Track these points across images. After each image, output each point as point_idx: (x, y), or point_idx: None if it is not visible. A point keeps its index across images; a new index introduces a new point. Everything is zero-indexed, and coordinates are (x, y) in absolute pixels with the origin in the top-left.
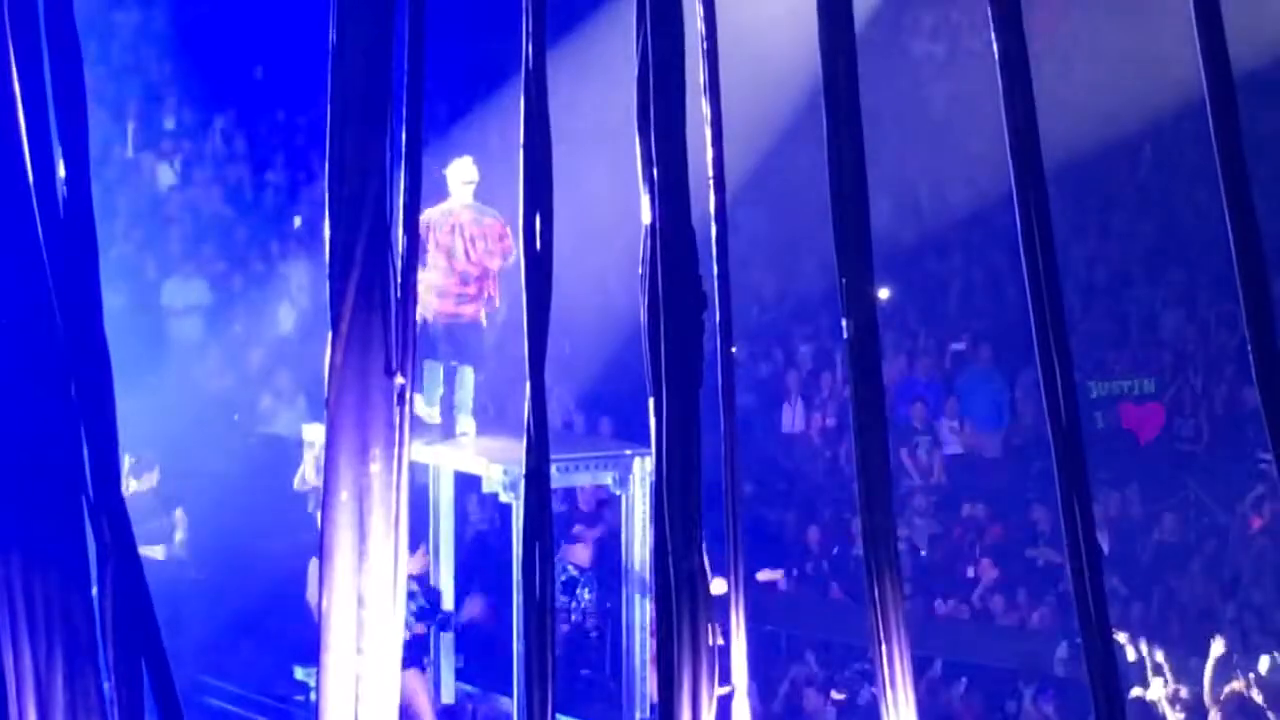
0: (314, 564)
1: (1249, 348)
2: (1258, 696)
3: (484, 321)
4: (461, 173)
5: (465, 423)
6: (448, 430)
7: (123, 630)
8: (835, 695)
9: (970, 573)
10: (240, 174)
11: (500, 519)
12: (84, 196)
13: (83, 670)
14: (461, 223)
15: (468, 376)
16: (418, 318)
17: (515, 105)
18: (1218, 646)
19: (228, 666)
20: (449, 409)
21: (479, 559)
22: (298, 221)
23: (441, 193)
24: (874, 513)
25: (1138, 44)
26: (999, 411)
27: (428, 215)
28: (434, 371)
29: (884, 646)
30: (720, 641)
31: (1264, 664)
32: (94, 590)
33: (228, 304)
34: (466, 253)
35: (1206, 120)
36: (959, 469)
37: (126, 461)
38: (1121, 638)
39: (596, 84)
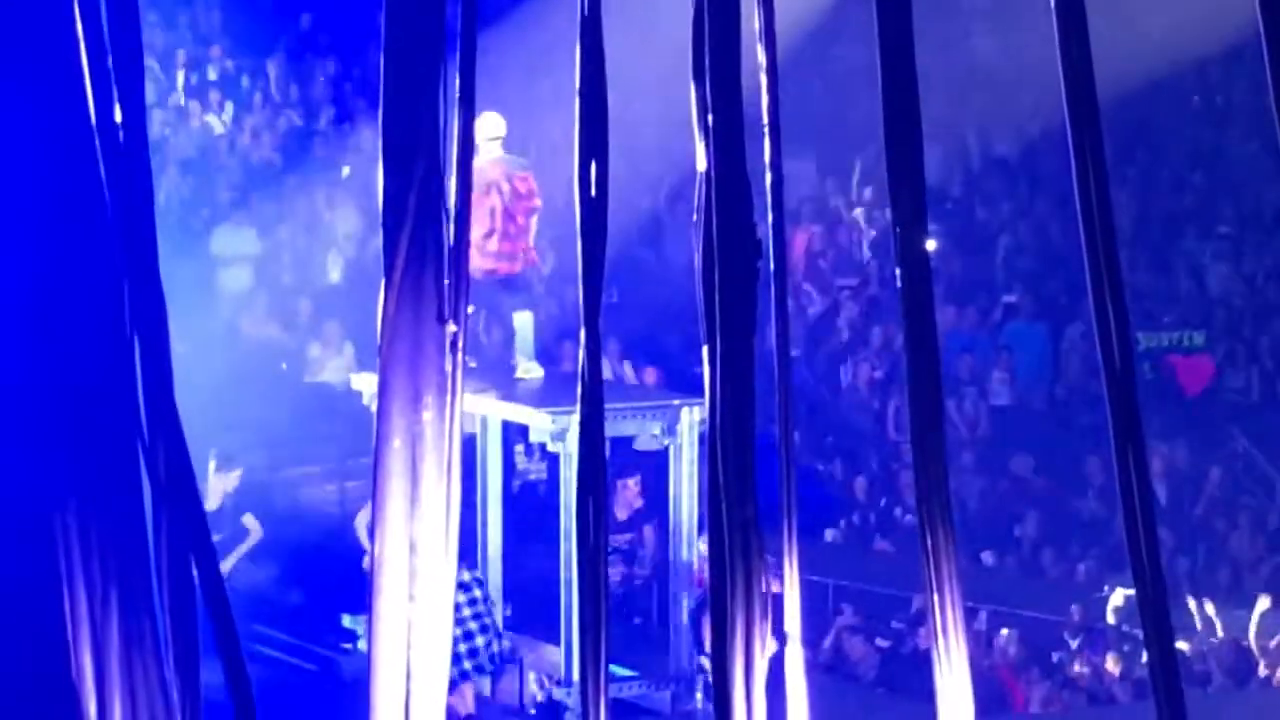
0: (363, 514)
1: None
2: None
3: (541, 267)
4: (487, 128)
5: (529, 367)
6: (508, 376)
7: (178, 572)
8: (880, 643)
9: (1016, 529)
10: (289, 123)
11: (548, 469)
12: (141, 137)
13: (138, 611)
14: (493, 179)
15: (524, 321)
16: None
17: (566, 49)
18: (1263, 602)
19: (276, 615)
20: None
21: (526, 509)
22: (346, 171)
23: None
24: (927, 462)
25: None
26: (1046, 364)
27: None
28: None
29: (936, 596)
30: (776, 589)
31: None
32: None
33: (276, 253)
34: (506, 210)
35: (1260, 69)
36: (1005, 422)
37: (211, 463)
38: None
39: (649, 27)
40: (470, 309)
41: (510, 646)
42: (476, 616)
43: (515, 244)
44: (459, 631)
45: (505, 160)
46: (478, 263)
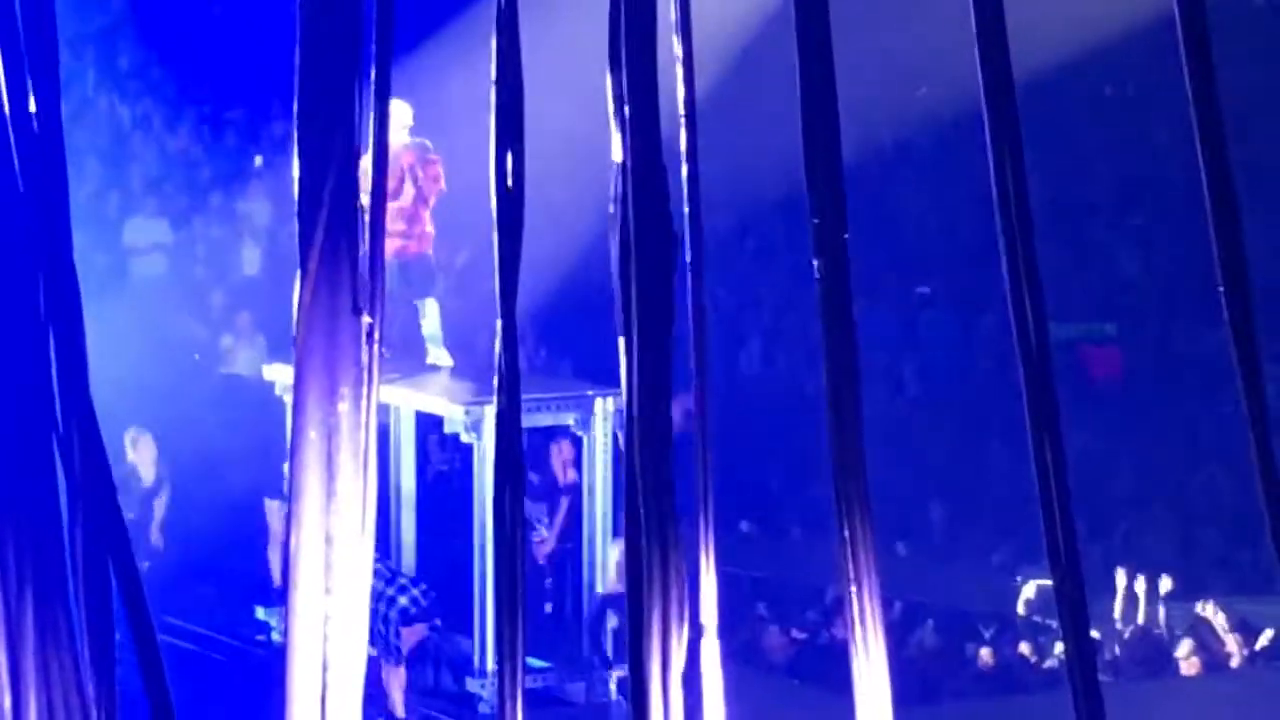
0: (271, 504)
1: (1221, 291)
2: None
3: (430, 253)
4: (397, 116)
5: (438, 355)
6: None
7: (94, 565)
8: (796, 635)
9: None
10: (201, 112)
11: (461, 460)
12: (55, 128)
13: (52, 605)
14: (406, 164)
15: (432, 309)
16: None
17: (480, 40)
18: (1165, 583)
19: (188, 607)
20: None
21: (440, 500)
22: (259, 160)
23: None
24: (844, 452)
25: None
26: (959, 354)
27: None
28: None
29: (854, 587)
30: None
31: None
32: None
33: (189, 243)
34: (420, 193)
35: (1173, 56)
36: (918, 412)
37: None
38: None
39: (567, 14)
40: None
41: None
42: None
43: (417, 225)
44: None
45: (416, 146)
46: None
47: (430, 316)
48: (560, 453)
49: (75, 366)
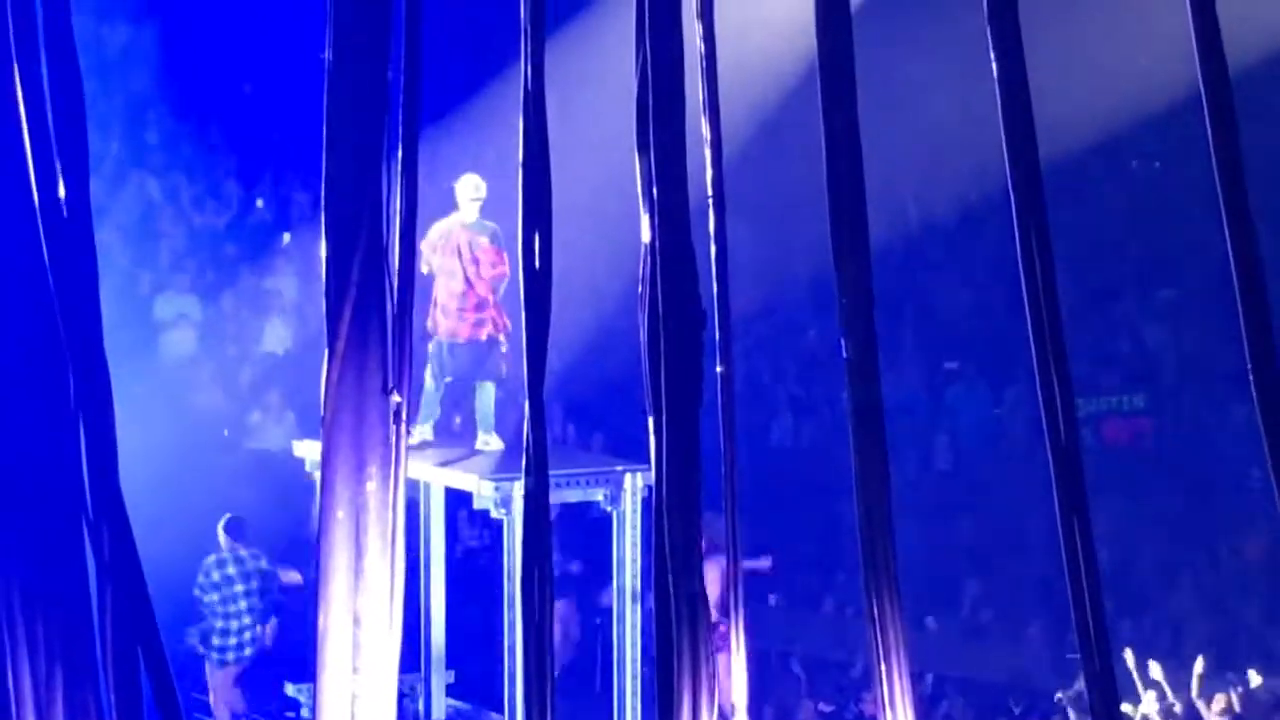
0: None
1: (1248, 364)
2: (1239, 707)
3: (503, 341)
4: (469, 189)
5: (488, 439)
6: (469, 445)
7: (123, 649)
8: (823, 708)
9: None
10: (231, 190)
11: (491, 536)
12: (84, 214)
13: (83, 691)
14: (460, 244)
15: (488, 393)
16: (439, 338)
17: (512, 118)
18: (1199, 665)
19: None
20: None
21: (469, 576)
22: (287, 238)
23: (438, 206)
24: (873, 530)
25: (1129, 55)
26: (987, 427)
27: (429, 237)
28: (431, 392)
29: (883, 664)
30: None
31: (1253, 679)
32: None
33: (218, 320)
34: (467, 276)
35: (1199, 132)
36: (948, 485)
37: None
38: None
39: (594, 96)
40: (448, 379)
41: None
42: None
43: (480, 311)
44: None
45: (472, 226)
46: (446, 325)
47: (483, 399)
48: None
49: (105, 455)
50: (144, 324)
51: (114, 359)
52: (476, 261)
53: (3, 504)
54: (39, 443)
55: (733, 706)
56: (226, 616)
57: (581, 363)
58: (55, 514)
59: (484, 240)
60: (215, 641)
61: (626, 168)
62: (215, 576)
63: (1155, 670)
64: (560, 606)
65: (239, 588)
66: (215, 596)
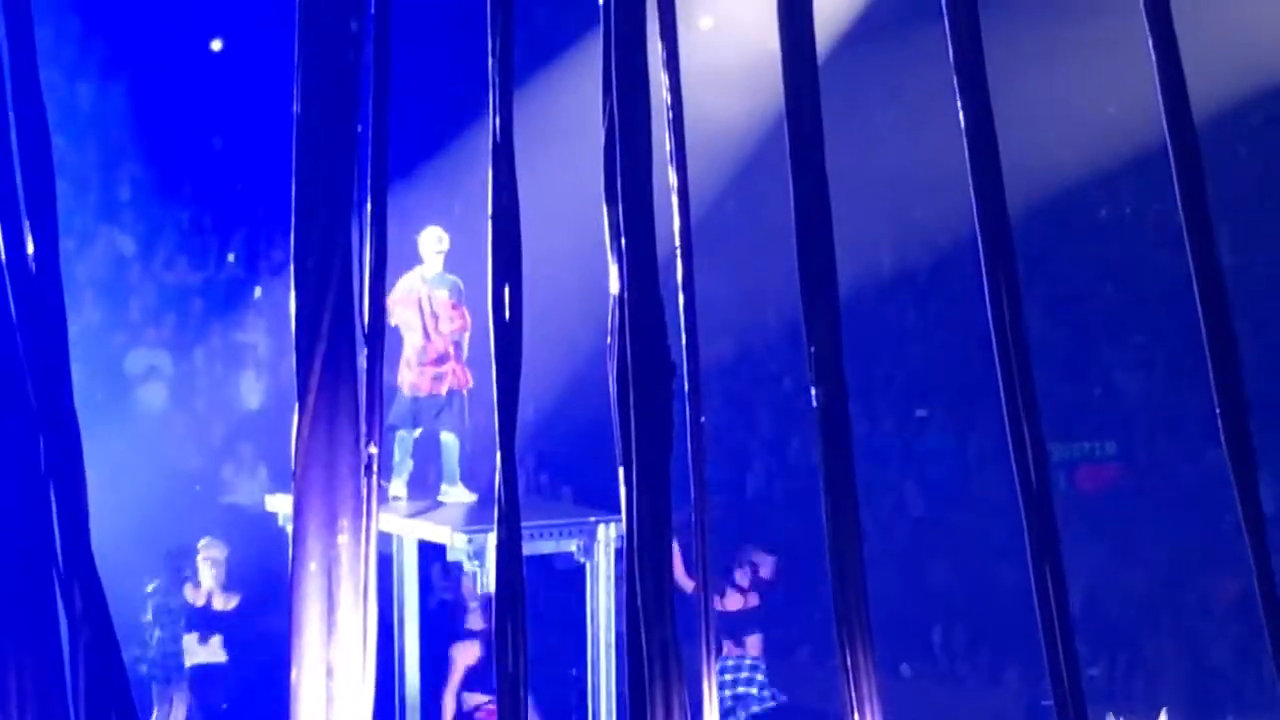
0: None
1: (1216, 410)
2: None
3: (464, 393)
4: (431, 241)
5: (455, 493)
6: (432, 500)
7: (95, 703)
8: None
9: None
10: (201, 245)
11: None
12: (53, 271)
13: None
14: (420, 298)
15: (451, 445)
16: (403, 392)
17: (479, 170)
18: (1163, 716)
19: None
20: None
21: (443, 628)
22: (259, 292)
23: (406, 259)
24: (846, 580)
25: (1097, 101)
26: (959, 474)
27: (393, 291)
28: (403, 445)
29: (856, 714)
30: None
31: None
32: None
33: (189, 375)
34: (426, 330)
35: (1166, 179)
36: (920, 533)
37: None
38: None
39: (562, 147)
40: (418, 432)
41: None
42: None
43: (439, 365)
44: None
45: (432, 281)
46: (411, 379)
47: (447, 452)
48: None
49: (76, 513)
50: (115, 380)
51: (85, 415)
52: (436, 316)
53: None
54: (9, 502)
55: None
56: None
57: (553, 413)
58: (27, 571)
59: (443, 294)
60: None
61: (595, 218)
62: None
63: None
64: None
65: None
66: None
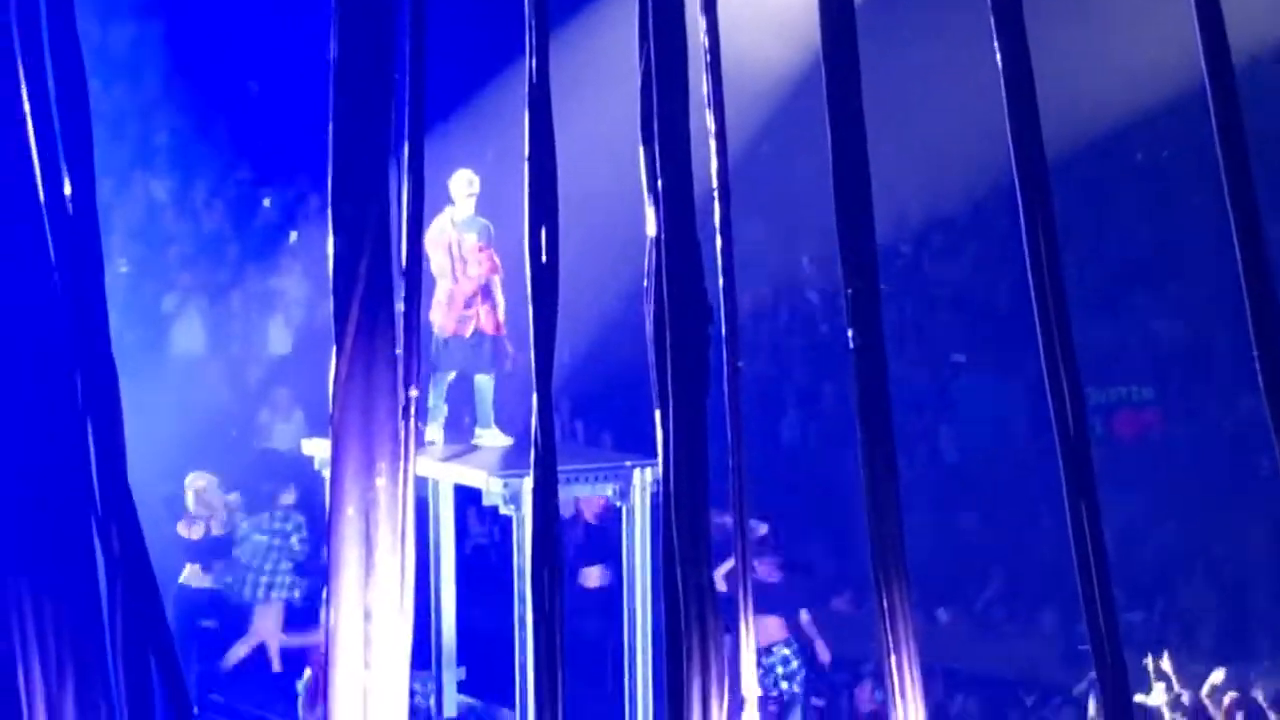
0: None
1: (1254, 354)
2: (1260, 698)
3: (499, 336)
4: (462, 184)
5: (489, 436)
6: (467, 444)
7: (133, 646)
8: (815, 702)
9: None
10: (237, 190)
11: (500, 531)
12: (90, 212)
13: (93, 687)
14: (450, 241)
15: (483, 388)
16: (437, 335)
17: (515, 114)
18: (1217, 676)
19: (231, 681)
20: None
21: (479, 573)
22: (294, 237)
23: (441, 203)
24: (882, 522)
25: (1135, 45)
26: (995, 419)
27: (427, 234)
28: (436, 388)
29: (893, 656)
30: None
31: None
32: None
33: (225, 319)
34: (454, 273)
35: (1204, 123)
36: (956, 477)
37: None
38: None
39: (598, 90)
40: (451, 375)
41: None
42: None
43: (467, 309)
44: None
45: (462, 224)
46: (440, 323)
47: (481, 394)
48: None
49: (113, 452)
50: (151, 325)
51: (122, 360)
52: (464, 260)
53: (12, 502)
54: (48, 441)
55: (743, 700)
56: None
57: (589, 359)
58: (64, 512)
59: (472, 237)
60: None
61: (632, 162)
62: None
63: (1165, 663)
64: None
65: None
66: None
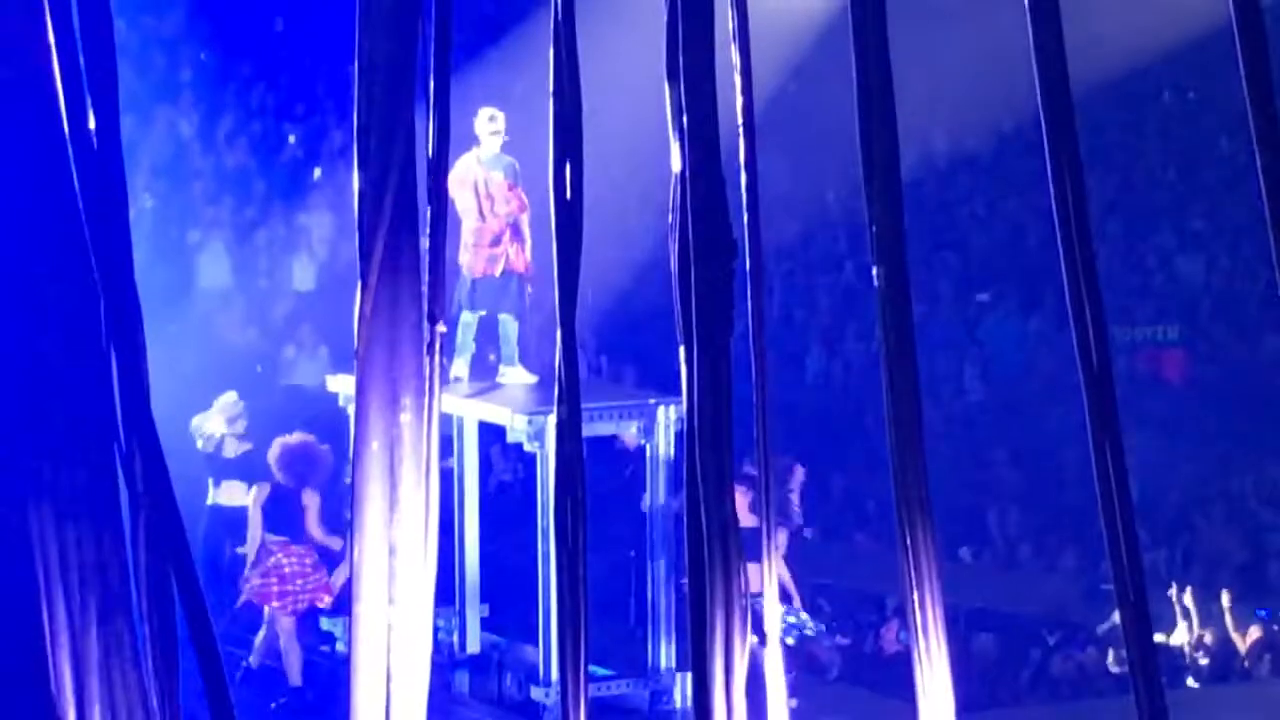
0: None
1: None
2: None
3: (525, 275)
4: (485, 122)
5: (514, 374)
6: (492, 381)
7: (156, 577)
8: (840, 640)
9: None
10: (261, 126)
11: (524, 469)
12: (114, 145)
13: (115, 618)
14: (476, 180)
15: (508, 327)
16: (464, 273)
17: (542, 50)
18: (1226, 599)
19: (254, 618)
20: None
21: (503, 510)
22: (318, 173)
23: (466, 140)
24: (906, 460)
25: None
26: (1020, 358)
27: (452, 172)
28: (465, 327)
29: (915, 593)
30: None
31: None
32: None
33: (250, 256)
34: (481, 211)
35: (1231, 63)
36: (981, 417)
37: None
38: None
39: (624, 26)
40: (480, 314)
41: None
42: None
43: (494, 247)
44: None
45: (488, 162)
46: (469, 262)
47: (504, 333)
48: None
49: (136, 384)
50: (176, 262)
51: (147, 297)
52: (491, 198)
53: (35, 433)
54: (71, 371)
55: (765, 636)
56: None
57: (614, 298)
58: (87, 442)
59: (498, 176)
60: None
61: (658, 99)
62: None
63: (1188, 598)
64: None
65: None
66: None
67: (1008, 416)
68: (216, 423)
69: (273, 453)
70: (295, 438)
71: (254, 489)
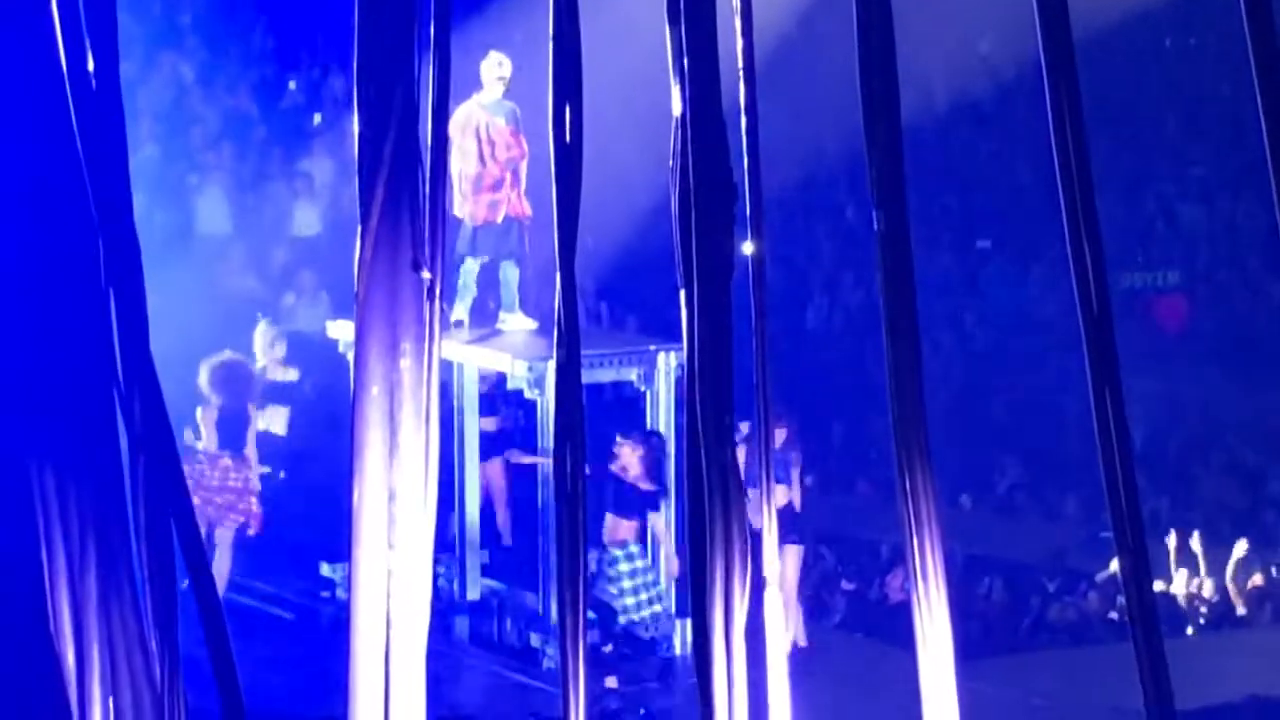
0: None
1: None
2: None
3: (524, 221)
4: (492, 67)
5: (514, 320)
6: (492, 328)
7: (156, 525)
8: (845, 586)
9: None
10: (262, 71)
11: (524, 415)
12: (113, 87)
13: (115, 566)
14: (478, 125)
15: (509, 273)
16: (466, 221)
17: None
18: (1240, 548)
19: (253, 564)
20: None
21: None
22: (318, 119)
23: (467, 86)
24: (905, 404)
25: None
26: (1020, 306)
27: (453, 118)
28: (466, 273)
29: (915, 538)
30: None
31: None
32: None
33: (250, 202)
34: (482, 156)
35: (1233, 7)
36: (981, 365)
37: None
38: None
39: None
40: (481, 260)
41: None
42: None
43: (495, 192)
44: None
45: (490, 107)
46: (469, 208)
47: (504, 279)
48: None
49: (136, 327)
50: (176, 208)
51: (147, 242)
52: (492, 143)
53: (34, 377)
54: (70, 314)
55: (764, 580)
56: None
57: (614, 242)
58: (87, 386)
59: (500, 121)
60: None
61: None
62: None
63: (1195, 543)
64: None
65: None
66: None
67: (1008, 363)
68: (260, 351)
69: (203, 377)
70: (220, 357)
71: (200, 410)
